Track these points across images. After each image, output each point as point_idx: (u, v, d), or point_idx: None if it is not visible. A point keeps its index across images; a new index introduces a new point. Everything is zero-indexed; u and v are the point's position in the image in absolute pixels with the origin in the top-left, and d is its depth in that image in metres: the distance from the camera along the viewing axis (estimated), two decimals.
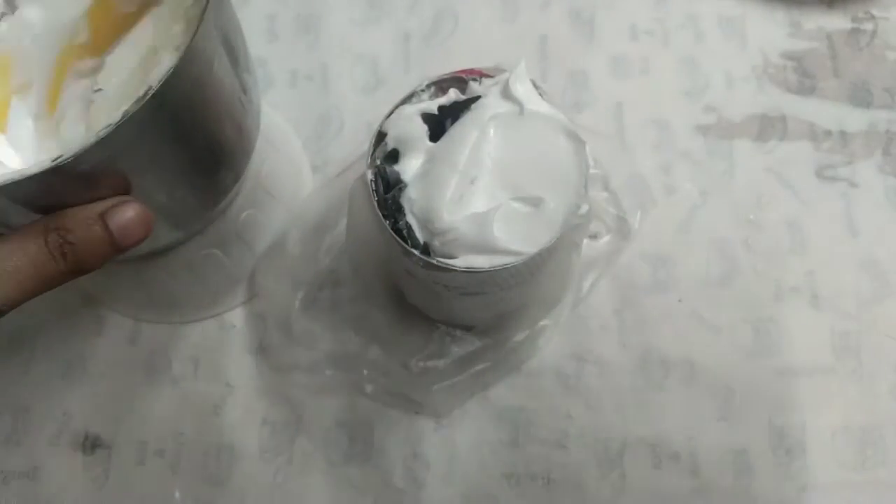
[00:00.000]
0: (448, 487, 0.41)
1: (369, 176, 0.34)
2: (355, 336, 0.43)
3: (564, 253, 0.39)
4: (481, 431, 0.42)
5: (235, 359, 0.44)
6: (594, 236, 0.44)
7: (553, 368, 0.43)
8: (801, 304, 0.43)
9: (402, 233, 0.34)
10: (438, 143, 0.35)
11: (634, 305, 0.44)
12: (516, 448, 0.41)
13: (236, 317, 0.45)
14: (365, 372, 0.42)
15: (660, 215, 0.45)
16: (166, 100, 0.27)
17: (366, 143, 0.35)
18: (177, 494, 0.41)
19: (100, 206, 0.28)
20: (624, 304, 0.44)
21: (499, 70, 0.36)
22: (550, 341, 0.43)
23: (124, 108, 0.26)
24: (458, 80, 0.36)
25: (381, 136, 0.35)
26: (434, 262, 0.33)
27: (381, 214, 0.34)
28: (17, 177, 0.25)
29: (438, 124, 0.35)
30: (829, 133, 0.47)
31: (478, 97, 0.35)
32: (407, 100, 0.36)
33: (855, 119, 0.47)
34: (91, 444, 0.42)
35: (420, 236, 0.34)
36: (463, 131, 0.35)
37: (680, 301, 0.44)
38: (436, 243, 0.34)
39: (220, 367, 0.44)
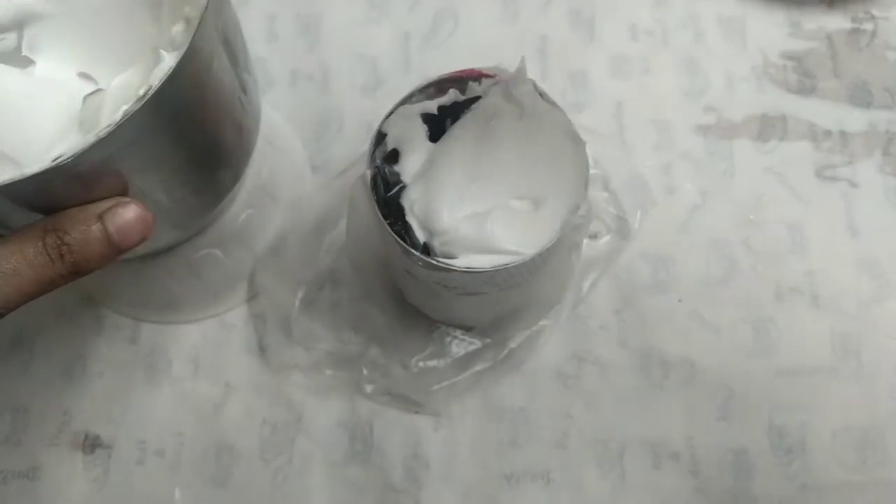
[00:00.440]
0: (448, 487, 0.41)
1: (369, 176, 0.34)
2: (355, 336, 0.43)
3: (564, 253, 0.39)
4: (481, 431, 0.42)
5: (235, 359, 0.44)
6: (594, 236, 0.44)
7: (553, 368, 0.43)
8: (801, 304, 0.43)
9: (402, 233, 0.34)
10: (438, 143, 0.35)
11: (634, 305, 0.44)
12: (516, 448, 0.41)
13: (236, 317, 0.45)
14: (365, 372, 0.42)
15: (660, 215, 0.45)
16: (166, 100, 0.27)
17: (366, 143, 0.35)
18: (177, 494, 0.41)
19: (98, 207, 0.28)
20: (624, 304, 0.44)
21: (499, 70, 0.36)
22: (550, 341, 0.43)
23: (124, 108, 0.26)
24: (458, 80, 0.36)
25: (381, 136, 0.35)
26: (434, 262, 0.33)
27: (381, 214, 0.34)
28: (16, 177, 0.25)
29: (438, 124, 0.35)
30: (829, 133, 0.47)
31: (478, 97, 0.35)
32: (407, 100, 0.36)
33: (855, 119, 0.47)
34: (91, 444, 0.42)
35: (420, 236, 0.34)
36: (463, 131, 0.35)
37: (680, 301, 0.44)
38: (436, 243, 0.34)
39: (220, 367, 0.44)
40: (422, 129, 0.35)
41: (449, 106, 0.36)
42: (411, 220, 0.34)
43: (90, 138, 0.26)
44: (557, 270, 0.40)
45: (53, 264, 0.27)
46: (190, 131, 0.31)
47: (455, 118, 0.35)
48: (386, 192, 0.34)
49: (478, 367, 0.41)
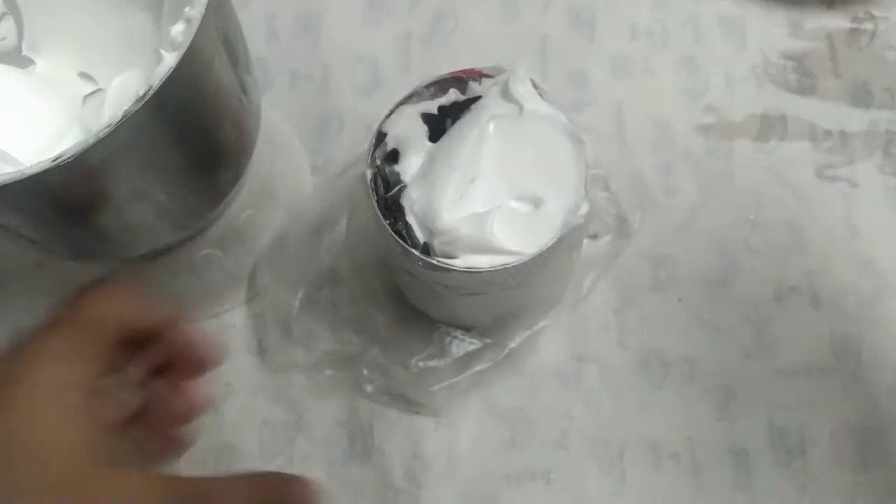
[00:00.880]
0: (448, 487, 0.41)
1: (369, 176, 0.34)
2: (355, 336, 0.43)
3: (564, 253, 0.39)
4: (481, 431, 0.42)
5: (235, 359, 0.44)
6: (594, 236, 0.44)
7: (553, 368, 0.43)
8: (801, 304, 0.43)
9: (402, 233, 0.34)
10: (438, 143, 0.35)
11: (634, 305, 0.44)
12: (516, 448, 0.41)
13: (236, 317, 0.45)
14: (365, 372, 0.42)
15: (660, 215, 0.45)
16: (166, 100, 0.27)
17: (366, 143, 0.35)
18: None
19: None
20: (624, 304, 0.44)
21: (499, 70, 0.36)
22: (550, 341, 0.43)
23: (124, 108, 0.26)
24: (458, 80, 0.36)
25: (381, 136, 0.35)
26: (434, 262, 0.33)
27: (381, 214, 0.34)
28: (16, 177, 0.25)
29: (438, 124, 0.35)
30: (829, 133, 0.47)
31: (478, 97, 0.35)
32: (407, 100, 0.36)
33: (855, 119, 0.47)
34: None
35: (420, 236, 0.34)
36: (463, 131, 0.35)
37: (680, 301, 0.44)
38: (436, 243, 0.34)
39: (220, 367, 0.43)
40: (422, 129, 0.35)
41: (449, 106, 0.36)
42: (411, 220, 0.34)
43: (90, 138, 0.26)
44: (557, 270, 0.40)
45: None
46: (190, 131, 0.31)
47: (455, 118, 0.35)
48: (386, 192, 0.34)
49: (478, 368, 0.41)
